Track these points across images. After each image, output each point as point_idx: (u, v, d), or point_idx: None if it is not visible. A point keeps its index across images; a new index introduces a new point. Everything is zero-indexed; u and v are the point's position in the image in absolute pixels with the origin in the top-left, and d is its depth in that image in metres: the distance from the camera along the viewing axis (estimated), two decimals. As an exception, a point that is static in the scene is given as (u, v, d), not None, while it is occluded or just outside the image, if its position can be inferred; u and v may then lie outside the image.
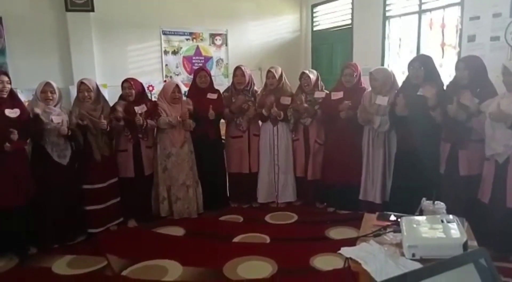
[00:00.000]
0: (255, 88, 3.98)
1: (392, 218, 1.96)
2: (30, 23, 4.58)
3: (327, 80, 4.76)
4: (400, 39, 5.14)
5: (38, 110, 2.96)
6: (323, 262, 2.80)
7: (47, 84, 3.10)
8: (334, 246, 2.92)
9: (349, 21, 5.72)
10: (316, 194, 3.93)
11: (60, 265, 2.89)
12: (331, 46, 6.17)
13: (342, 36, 5.87)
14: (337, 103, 3.53)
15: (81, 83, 3.30)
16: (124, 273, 2.75)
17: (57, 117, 3.09)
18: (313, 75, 3.82)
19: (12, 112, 2.88)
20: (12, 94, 3.00)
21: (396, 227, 1.80)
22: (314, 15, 6.42)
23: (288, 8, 6.37)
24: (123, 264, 2.87)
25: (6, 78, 2.90)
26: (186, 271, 2.76)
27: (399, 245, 1.67)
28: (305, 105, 3.65)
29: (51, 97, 3.10)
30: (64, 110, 3.24)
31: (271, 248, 3.11)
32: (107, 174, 3.40)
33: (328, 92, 3.77)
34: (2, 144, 2.78)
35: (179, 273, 2.73)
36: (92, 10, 4.71)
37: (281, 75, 3.88)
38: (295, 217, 3.73)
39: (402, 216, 1.83)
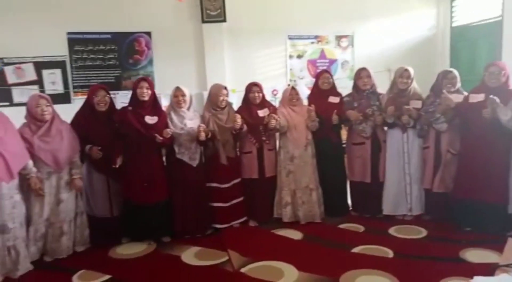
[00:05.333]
0: (379, 91, 3.75)
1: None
2: (172, 35, 5.16)
3: (467, 82, 4.22)
4: None
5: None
6: (455, 287, 2.48)
7: (177, 89, 3.39)
8: (469, 270, 2.60)
9: (499, 13, 4.98)
10: (450, 209, 3.51)
11: (188, 255, 3.16)
12: (473, 43, 5.45)
13: (488, 32, 5.14)
14: (476, 107, 3.09)
15: (224, 88, 3.50)
16: (243, 270, 2.86)
17: (190, 121, 3.38)
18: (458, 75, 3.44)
19: (150, 119, 3.22)
20: (155, 100, 3.36)
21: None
22: (454, 9, 5.77)
23: (422, 3, 5.86)
24: (242, 261, 2.99)
25: (146, 84, 3.25)
26: (302, 276, 2.73)
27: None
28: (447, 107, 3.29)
29: (182, 100, 3.38)
30: (197, 114, 3.52)
31: (394, 263, 2.88)
32: (232, 174, 3.58)
33: (466, 94, 3.34)
34: (144, 148, 3.18)
35: (295, 278, 2.71)
36: (224, 20, 5.08)
37: (413, 77, 3.58)
38: (424, 232, 3.40)
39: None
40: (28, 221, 3.01)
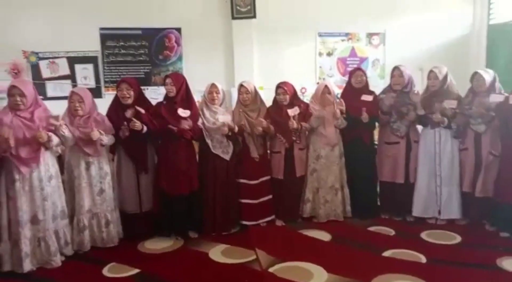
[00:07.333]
0: (415, 90, 3.65)
1: None
2: (202, 32, 5.15)
3: (505, 82, 4.04)
4: None
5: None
6: (494, 297, 2.38)
7: (213, 85, 3.44)
8: (507, 280, 2.49)
9: (540, 11, 4.76)
10: (486, 214, 3.38)
11: (216, 252, 3.15)
12: (512, 42, 5.23)
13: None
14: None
15: (241, 86, 3.53)
16: (271, 270, 2.83)
17: (222, 116, 3.38)
18: (488, 75, 3.31)
19: (183, 113, 3.25)
20: (187, 94, 3.36)
21: None
22: (491, 5, 5.54)
23: (458, 1, 5.65)
24: (270, 260, 2.95)
25: (170, 81, 3.27)
26: (332, 278, 2.68)
27: None
28: (483, 111, 3.18)
29: (216, 97, 3.42)
30: (229, 110, 3.53)
31: (428, 269, 2.79)
32: (260, 171, 3.57)
33: (507, 95, 3.20)
34: (171, 138, 3.20)
35: (324, 279, 2.67)
36: (254, 17, 5.04)
37: (445, 76, 3.47)
38: (457, 238, 3.28)
39: None
40: (72, 213, 3.09)
